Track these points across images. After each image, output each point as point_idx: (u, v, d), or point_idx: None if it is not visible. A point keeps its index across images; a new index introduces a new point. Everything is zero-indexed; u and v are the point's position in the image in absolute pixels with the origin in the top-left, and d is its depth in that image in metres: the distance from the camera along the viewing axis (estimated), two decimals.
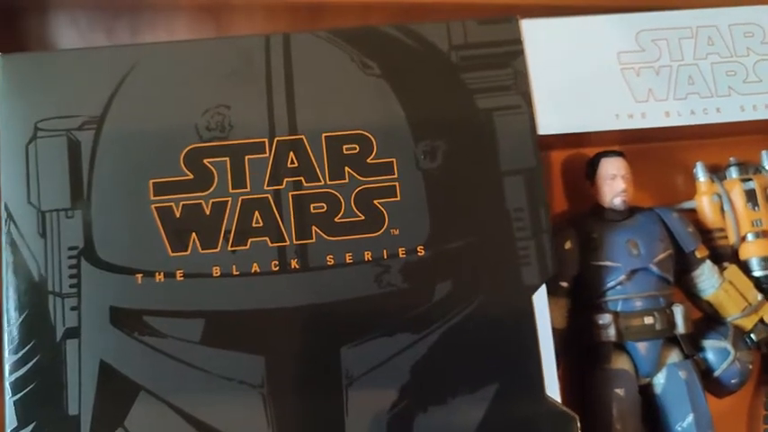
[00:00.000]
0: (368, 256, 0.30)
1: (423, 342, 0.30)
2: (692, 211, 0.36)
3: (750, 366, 0.34)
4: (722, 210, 0.36)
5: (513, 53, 0.33)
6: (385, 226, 0.30)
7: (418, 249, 0.30)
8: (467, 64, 0.32)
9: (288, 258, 0.30)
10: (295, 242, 0.30)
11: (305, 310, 0.30)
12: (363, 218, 0.31)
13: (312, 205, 0.31)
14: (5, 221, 0.30)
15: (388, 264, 0.30)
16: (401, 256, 0.30)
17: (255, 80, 0.31)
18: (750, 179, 0.36)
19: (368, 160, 0.31)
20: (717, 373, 0.33)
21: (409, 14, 0.69)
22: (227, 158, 0.31)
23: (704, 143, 0.38)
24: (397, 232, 0.30)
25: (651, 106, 0.34)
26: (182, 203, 0.30)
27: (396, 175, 0.31)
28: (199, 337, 0.29)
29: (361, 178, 0.31)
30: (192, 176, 0.30)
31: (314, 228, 0.30)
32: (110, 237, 0.30)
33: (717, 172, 0.37)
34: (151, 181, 0.30)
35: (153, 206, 0.30)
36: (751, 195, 0.35)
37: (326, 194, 0.31)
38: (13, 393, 0.29)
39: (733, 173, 0.36)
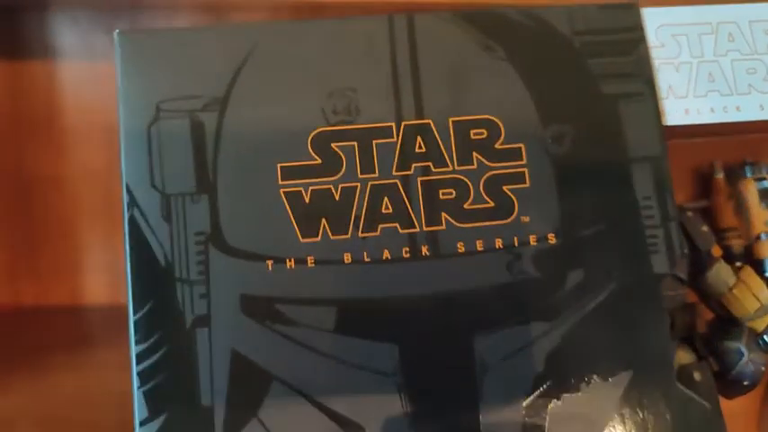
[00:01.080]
0: (499, 243, 0.30)
1: (556, 331, 0.29)
2: (706, 210, 0.36)
3: (763, 368, 0.34)
4: (736, 209, 0.36)
5: (635, 40, 0.32)
6: (515, 213, 0.30)
7: (549, 237, 0.30)
8: (589, 49, 0.32)
9: (419, 245, 0.29)
10: (425, 228, 0.30)
11: (437, 298, 0.29)
12: (493, 204, 0.30)
13: (441, 191, 0.30)
14: (128, 206, 0.29)
15: (519, 251, 0.30)
16: (532, 243, 0.30)
17: (380, 62, 0.31)
18: (764, 178, 0.36)
19: (496, 145, 0.31)
20: (730, 375, 0.34)
21: (408, 10, 0.69)
22: (355, 143, 0.30)
23: (721, 141, 0.39)
24: (527, 219, 0.30)
25: (671, 103, 0.33)
26: (311, 188, 0.29)
27: (524, 161, 0.30)
28: (332, 326, 0.29)
29: (489, 164, 0.30)
30: (320, 161, 0.30)
31: (443, 214, 0.30)
32: (238, 222, 0.29)
33: (732, 171, 0.37)
34: (279, 165, 0.29)
35: (281, 191, 0.29)
36: (765, 195, 0.36)
37: (455, 180, 0.30)
38: (142, 384, 0.28)
39: (747, 172, 0.36)
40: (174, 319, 0.28)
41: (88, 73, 0.65)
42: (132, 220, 0.29)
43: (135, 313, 0.28)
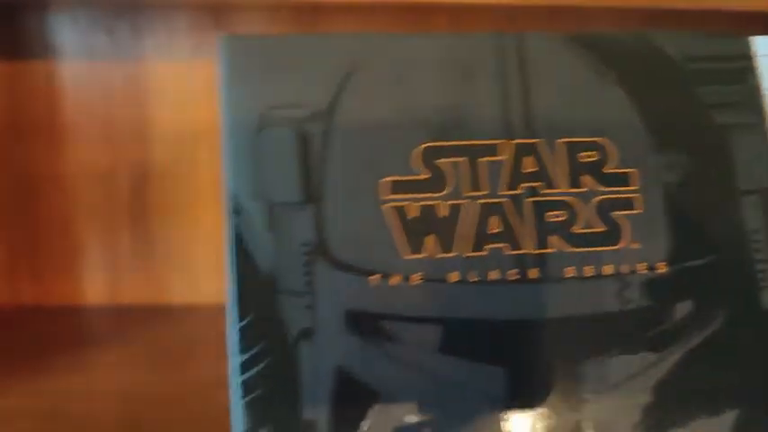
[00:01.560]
0: (608, 270, 0.29)
1: (663, 363, 0.29)
2: None
3: None
4: None
5: (746, 69, 0.32)
6: (625, 239, 0.29)
7: (659, 266, 0.29)
8: (701, 77, 0.31)
9: (527, 267, 0.29)
10: (534, 251, 0.29)
11: (545, 323, 0.29)
12: (602, 229, 0.29)
13: (550, 213, 0.29)
14: (232, 214, 0.28)
15: (629, 279, 0.29)
16: (642, 271, 0.29)
17: (490, 80, 0.30)
18: None
19: (606, 170, 0.30)
20: None
21: (410, 14, 0.69)
22: (463, 159, 0.29)
23: None
24: (637, 246, 0.29)
25: None
26: (417, 204, 0.29)
27: (636, 187, 0.30)
28: (437, 345, 0.28)
29: (599, 188, 0.30)
30: (426, 176, 0.29)
31: (552, 237, 0.29)
32: (344, 235, 0.28)
33: None
34: (385, 179, 0.29)
35: (388, 205, 0.29)
36: None
37: (564, 203, 0.30)
38: (245, 395, 0.27)
39: None
40: (279, 331, 0.28)
41: (88, 72, 0.67)
42: (236, 229, 0.28)
43: (239, 322, 0.28)
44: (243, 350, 0.28)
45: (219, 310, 0.67)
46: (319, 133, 0.29)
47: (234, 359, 0.28)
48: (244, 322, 0.28)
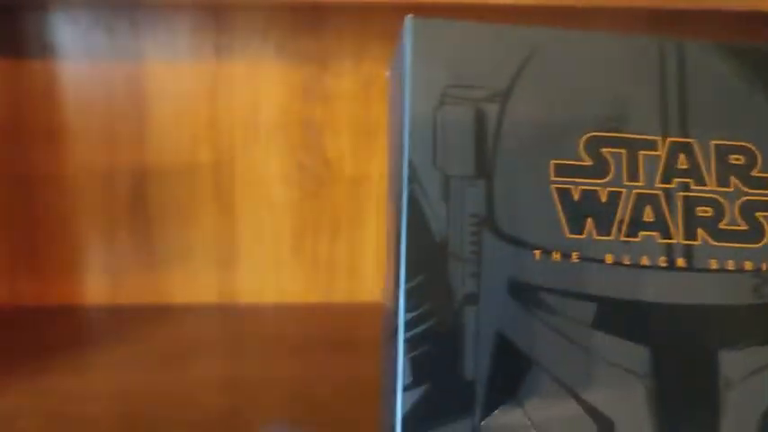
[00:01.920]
0: (748, 265, 0.31)
1: None
2: None
3: None
4: None
5: None
6: (766, 239, 0.31)
7: None
8: None
9: (675, 256, 0.31)
10: (682, 242, 0.31)
11: (688, 309, 0.30)
12: (746, 228, 0.31)
13: (698, 208, 0.31)
14: (409, 181, 0.30)
15: (766, 276, 0.31)
16: None
17: (651, 80, 0.32)
18: None
19: (752, 173, 0.32)
20: None
21: (409, 12, 0.69)
22: (624, 150, 0.31)
23: None
24: None
25: None
26: (580, 188, 0.31)
27: None
28: (590, 321, 0.30)
29: (745, 189, 0.32)
30: (590, 163, 0.31)
31: (700, 230, 0.31)
32: (511, 210, 0.30)
33: None
34: (552, 161, 0.31)
35: (553, 186, 0.31)
36: None
37: (712, 200, 0.31)
38: (409, 350, 0.29)
39: None
40: (445, 294, 0.30)
41: (88, 72, 0.67)
42: (412, 195, 0.30)
43: (407, 282, 0.29)
44: (409, 309, 0.29)
45: (219, 310, 0.68)
46: (495, 114, 0.31)
47: (401, 317, 0.29)
48: (412, 283, 0.30)
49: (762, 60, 0.33)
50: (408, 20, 0.32)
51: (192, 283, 0.70)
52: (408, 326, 0.29)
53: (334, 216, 0.70)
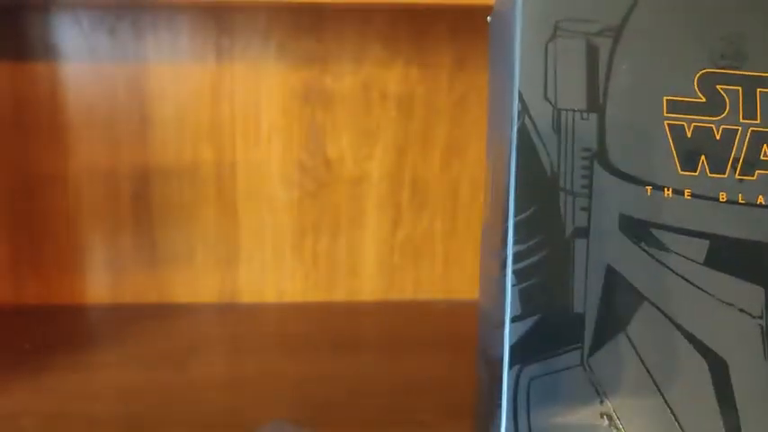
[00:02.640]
0: None
1: None
2: None
3: None
4: None
5: None
6: None
7: None
8: None
9: None
10: None
11: None
12: None
13: None
14: (519, 114, 0.30)
15: None
16: None
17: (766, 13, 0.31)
18: None
19: None
20: None
21: (410, 16, 0.69)
22: (740, 87, 0.30)
23: None
24: None
25: None
26: (693, 125, 0.30)
27: None
28: (703, 258, 0.29)
29: None
30: (704, 100, 0.30)
31: None
32: (623, 145, 0.30)
33: None
34: (665, 97, 0.30)
35: (666, 122, 0.30)
36: None
37: None
38: (518, 282, 0.29)
39: None
40: (555, 227, 0.29)
41: (90, 73, 0.67)
42: (522, 128, 0.30)
43: (516, 215, 0.29)
44: (518, 241, 0.29)
45: (221, 309, 0.68)
46: (607, 48, 0.30)
47: (509, 248, 0.29)
48: (522, 216, 0.29)
49: None
50: None
51: (193, 283, 0.70)
52: (517, 258, 0.29)
53: (334, 216, 0.70)
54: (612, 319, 0.29)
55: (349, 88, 0.68)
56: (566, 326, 0.29)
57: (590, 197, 0.29)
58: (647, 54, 0.30)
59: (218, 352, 0.60)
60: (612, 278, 0.29)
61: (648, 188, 0.30)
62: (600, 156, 0.30)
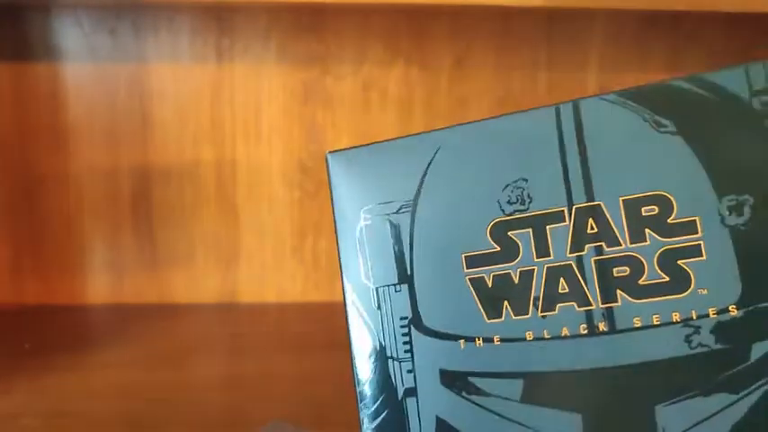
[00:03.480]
0: (676, 317, 0.31)
1: (742, 403, 0.30)
2: None
3: None
4: None
5: None
6: (692, 286, 0.31)
7: (730, 309, 0.30)
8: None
9: (595, 322, 0.32)
10: (601, 306, 0.32)
11: (617, 371, 0.31)
12: (668, 279, 0.31)
13: (615, 269, 0.32)
14: (348, 295, 0.35)
15: (698, 324, 0.31)
16: (712, 315, 0.30)
17: (549, 151, 0.33)
18: None
19: (668, 220, 0.31)
20: None
21: (410, 17, 0.64)
22: (530, 229, 0.33)
23: None
24: (705, 292, 0.31)
25: None
26: (492, 274, 0.33)
27: (699, 234, 0.31)
28: (519, 396, 0.32)
29: (662, 239, 0.32)
30: (499, 248, 0.33)
31: (618, 291, 0.32)
32: (433, 307, 0.34)
33: None
34: (463, 254, 0.33)
35: (467, 278, 0.33)
36: None
37: (628, 257, 0.32)
38: None
39: None
40: (390, 390, 0.34)
41: (91, 73, 0.68)
42: (353, 308, 0.35)
43: (359, 385, 0.35)
44: (367, 405, 0.35)
45: (221, 309, 0.70)
46: (407, 223, 0.34)
47: (362, 411, 0.35)
48: (365, 383, 0.35)
49: (667, 98, 0.32)
50: (328, 156, 0.36)
51: (193, 283, 0.71)
52: (369, 419, 0.35)
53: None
54: None
55: (349, 88, 0.69)
56: None
57: (412, 360, 0.34)
58: (442, 219, 0.34)
59: (219, 352, 0.60)
60: (443, 427, 0.34)
61: (462, 341, 0.33)
62: (415, 321, 0.34)
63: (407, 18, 0.68)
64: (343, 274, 0.35)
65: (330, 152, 0.36)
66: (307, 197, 0.72)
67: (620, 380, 0.31)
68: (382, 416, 0.34)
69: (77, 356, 0.57)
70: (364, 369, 0.35)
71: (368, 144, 0.35)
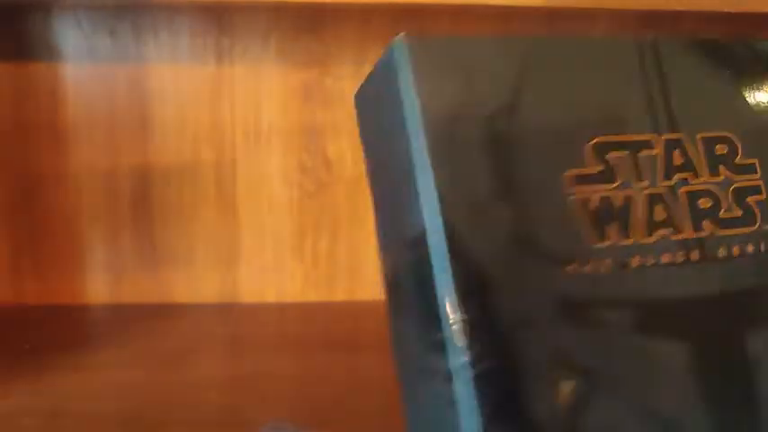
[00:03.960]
0: (750, 248, 0.35)
1: None
2: None
3: None
4: None
5: None
6: (758, 221, 0.35)
7: None
8: None
9: (690, 250, 0.34)
10: (693, 235, 0.34)
11: (709, 299, 0.33)
12: (741, 214, 0.35)
13: (700, 200, 0.35)
14: (440, 205, 0.31)
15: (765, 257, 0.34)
16: None
17: (634, 79, 0.35)
18: None
19: (735, 161, 0.36)
20: None
21: (409, 16, 0.71)
22: (627, 152, 0.34)
23: None
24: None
25: None
26: (598, 195, 0.33)
27: (758, 175, 0.36)
28: (627, 325, 0.33)
29: (733, 177, 0.35)
30: (602, 169, 0.34)
31: (705, 222, 0.35)
32: (535, 227, 0.32)
33: None
34: (566, 173, 0.33)
35: (572, 198, 0.33)
36: None
37: (709, 191, 0.35)
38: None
39: None
40: (496, 323, 0.31)
41: (91, 74, 0.69)
42: (444, 217, 0.31)
43: (462, 317, 0.31)
44: (469, 345, 0.31)
45: (221, 309, 0.71)
46: (506, 128, 0.32)
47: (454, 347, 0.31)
48: (466, 317, 0.31)
49: (725, 53, 0.37)
50: (399, 40, 0.31)
51: (193, 283, 0.71)
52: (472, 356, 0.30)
53: (334, 216, 0.72)
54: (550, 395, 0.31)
55: (349, 88, 0.69)
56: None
57: (522, 285, 0.32)
58: (542, 129, 0.33)
59: (218, 352, 0.60)
60: (556, 358, 0.31)
61: (574, 264, 0.32)
62: (523, 240, 0.32)
63: (407, 18, 0.69)
64: (432, 180, 0.30)
65: (404, 36, 0.31)
66: (307, 197, 0.71)
67: (713, 309, 0.33)
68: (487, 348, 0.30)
69: (77, 356, 0.57)
70: (463, 299, 0.30)
71: (456, 37, 0.32)
